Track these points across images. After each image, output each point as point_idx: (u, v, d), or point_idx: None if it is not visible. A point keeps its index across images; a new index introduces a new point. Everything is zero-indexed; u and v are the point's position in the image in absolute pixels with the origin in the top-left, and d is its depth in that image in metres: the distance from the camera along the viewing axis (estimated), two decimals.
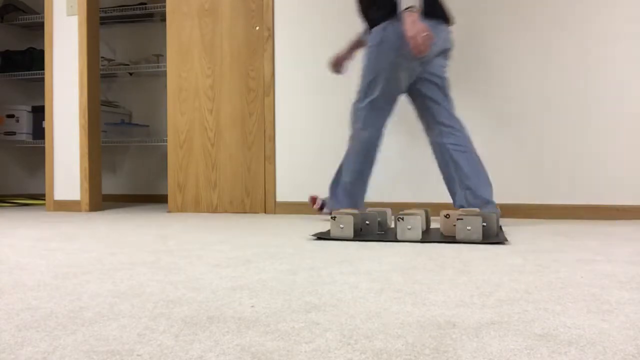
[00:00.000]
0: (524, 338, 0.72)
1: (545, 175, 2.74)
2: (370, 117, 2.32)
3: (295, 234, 2.02)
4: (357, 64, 2.94)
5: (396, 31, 2.20)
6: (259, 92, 3.18)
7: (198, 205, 3.27)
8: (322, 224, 2.45)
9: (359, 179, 2.38)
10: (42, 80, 4.07)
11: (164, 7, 4.19)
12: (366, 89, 2.32)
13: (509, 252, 1.52)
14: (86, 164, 3.41)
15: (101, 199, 3.54)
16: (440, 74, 2.33)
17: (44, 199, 3.75)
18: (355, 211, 1.91)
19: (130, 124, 4.51)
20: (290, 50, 3.12)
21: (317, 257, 1.44)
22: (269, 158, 3.14)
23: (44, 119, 3.82)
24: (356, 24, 2.99)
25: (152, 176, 4.60)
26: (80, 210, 3.42)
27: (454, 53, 2.84)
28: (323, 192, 3.04)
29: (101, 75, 4.42)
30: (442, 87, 2.32)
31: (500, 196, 2.79)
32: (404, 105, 2.89)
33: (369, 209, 2.09)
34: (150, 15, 4.52)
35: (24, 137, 4.28)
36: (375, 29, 2.27)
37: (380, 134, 2.35)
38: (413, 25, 2.06)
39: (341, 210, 1.92)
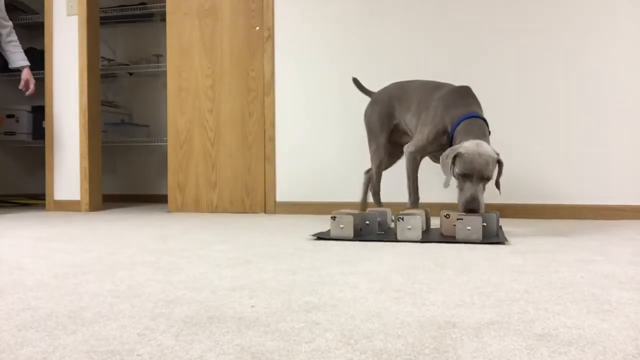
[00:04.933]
0: (524, 338, 0.72)
1: (546, 175, 2.74)
2: None
3: (295, 234, 2.02)
4: (359, 64, 2.94)
5: None
6: (259, 92, 3.18)
7: (198, 205, 3.27)
8: (322, 224, 2.45)
9: None
10: (42, 80, 4.07)
11: (164, 7, 4.19)
12: None
13: (509, 252, 1.52)
14: (86, 164, 3.41)
15: (101, 199, 3.54)
16: None
17: (44, 199, 3.75)
18: (355, 211, 1.91)
19: (130, 124, 4.51)
20: (290, 50, 3.12)
21: (317, 257, 1.44)
22: (269, 158, 3.14)
23: (44, 119, 3.82)
24: (355, 24, 2.99)
25: (152, 176, 4.60)
26: (80, 210, 3.42)
27: (457, 59, 2.84)
28: (324, 192, 3.04)
29: (101, 75, 4.42)
30: None
31: (500, 196, 2.79)
32: None
33: (369, 209, 2.09)
34: (150, 15, 4.52)
35: (24, 137, 4.28)
36: None
37: None
38: None
39: (341, 211, 1.92)
